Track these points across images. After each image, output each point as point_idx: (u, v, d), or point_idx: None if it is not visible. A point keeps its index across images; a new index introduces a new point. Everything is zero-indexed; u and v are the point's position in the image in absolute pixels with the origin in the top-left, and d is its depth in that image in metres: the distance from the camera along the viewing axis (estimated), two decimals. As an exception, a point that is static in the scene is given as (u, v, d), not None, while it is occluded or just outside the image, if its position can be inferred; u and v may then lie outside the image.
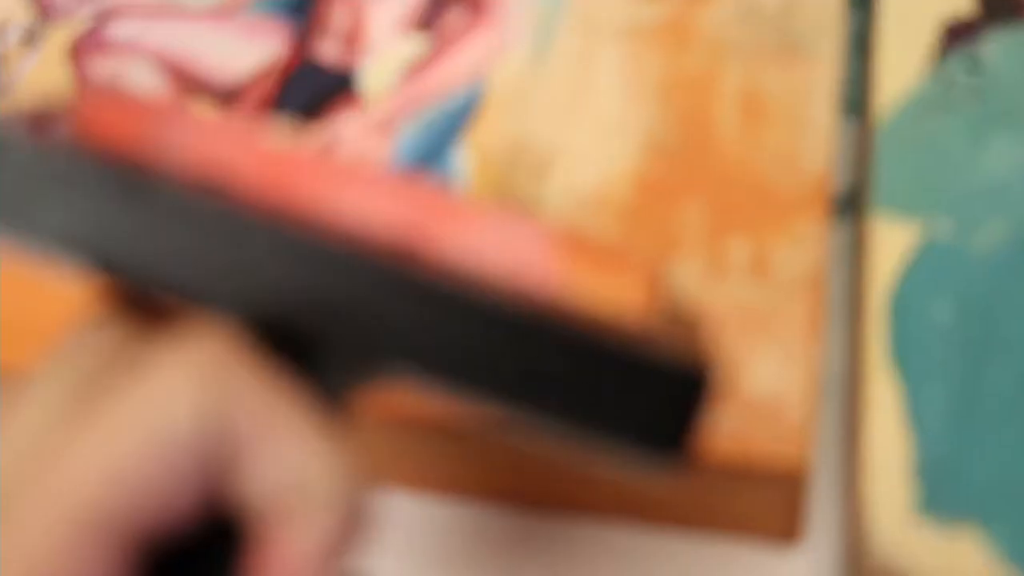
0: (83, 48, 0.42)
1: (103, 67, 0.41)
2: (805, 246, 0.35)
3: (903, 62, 0.40)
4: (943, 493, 0.32)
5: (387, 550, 0.36)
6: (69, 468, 0.20)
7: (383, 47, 0.41)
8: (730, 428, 0.32)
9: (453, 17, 0.42)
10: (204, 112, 0.37)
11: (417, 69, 0.40)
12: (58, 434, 0.20)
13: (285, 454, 0.20)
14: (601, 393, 0.23)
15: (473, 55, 0.40)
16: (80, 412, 0.21)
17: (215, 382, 0.20)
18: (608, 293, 0.24)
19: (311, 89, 0.40)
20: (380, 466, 0.36)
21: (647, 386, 0.23)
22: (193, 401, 0.20)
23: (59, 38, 0.42)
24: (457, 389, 0.23)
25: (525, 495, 0.36)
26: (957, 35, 0.40)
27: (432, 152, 0.38)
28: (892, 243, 0.36)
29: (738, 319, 0.33)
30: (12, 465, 0.21)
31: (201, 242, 0.23)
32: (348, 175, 0.25)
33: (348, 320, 0.22)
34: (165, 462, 0.20)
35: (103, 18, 0.43)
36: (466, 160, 0.38)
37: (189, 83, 0.41)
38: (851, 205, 0.41)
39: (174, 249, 0.23)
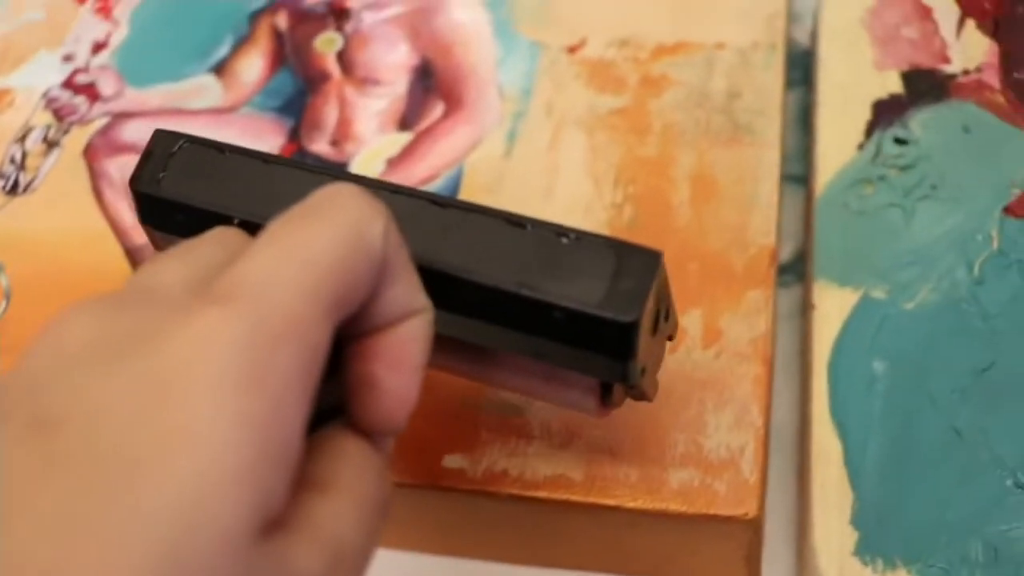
0: (96, 148, 0.46)
1: (115, 165, 0.45)
2: (753, 314, 0.38)
3: (840, 138, 0.44)
4: (880, 538, 0.35)
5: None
6: (301, 258, 0.24)
7: (370, 141, 0.45)
8: (689, 484, 0.35)
9: (433, 111, 0.46)
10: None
11: (401, 159, 0.44)
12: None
13: (408, 286, 0.27)
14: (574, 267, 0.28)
15: (452, 145, 0.44)
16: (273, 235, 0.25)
17: (388, 222, 0.26)
18: None
19: (305, 181, 0.44)
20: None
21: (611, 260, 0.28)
22: (382, 226, 0.25)
23: (76, 140, 0.46)
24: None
25: (499, 552, 0.39)
26: (886, 112, 0.44)
27: (416, 235, 0.42)
28: (832, 307, 0.39)
29: (693, 384, 0.37)
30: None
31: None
32: None
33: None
34: (364, 262, 0.25)
35: (114, 120, 0.47)
36: (447, 242, 0.42)
37: (194, 178, 0.45)
38: (797, 270, 0.44)
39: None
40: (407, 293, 0.26)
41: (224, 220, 0.29)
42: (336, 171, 0.31)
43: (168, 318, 0.23)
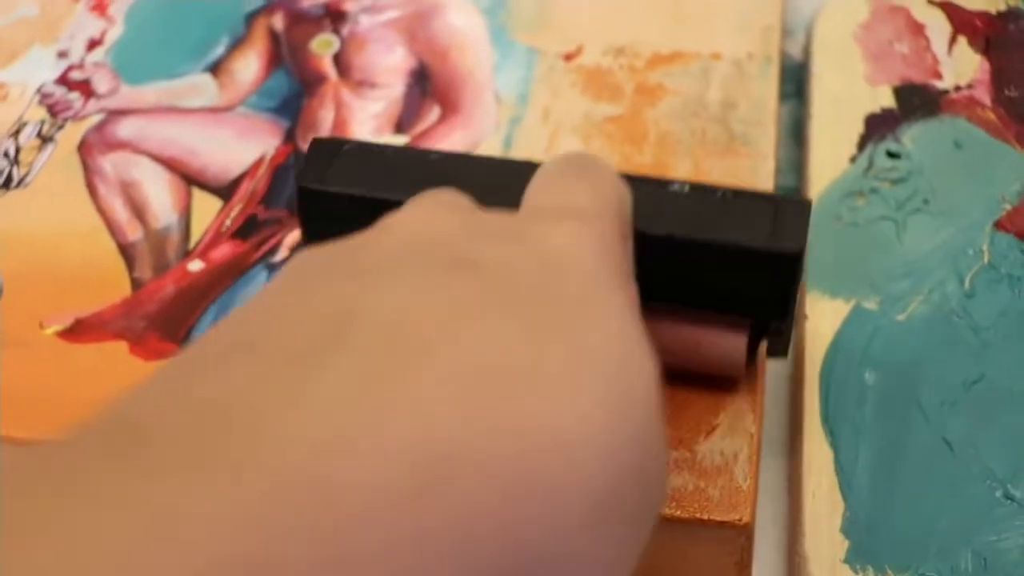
0: (91, 144, 0.46)
1: (109, 161, 0.45)
2: (746, 322, 0.39)
3: (832, 150, 0.44)
4: (870, 547, 0.35)
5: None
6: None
7: (365, 143, 0.45)
8: (683, 489, 0.35)
9: (430, 115, 0.46)
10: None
11: (396, 162, 0.44)
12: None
13: None
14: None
15: (448, 148, 0.44)
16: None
17: None
18: None
19: (300, 182, 0.44)
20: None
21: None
22: (630, 197, 0.28)
23: (70, 135, 0.46)
24: None
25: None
26: (878, 126, 0.44)
27: (411, 238, 0.42)
28: (824, 317, 0.40)
29: (687, 390, 0.37)
30: None
31: None
32: None
33: None
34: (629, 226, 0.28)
35: (109, 117, 0.47)
36: (442, 245, 0.42)
37: (187, 177, 0.45)
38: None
39: None
40: None
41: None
42: (497, 160, 0.35)
43: (526, 224, 0.25)
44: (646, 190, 0.30)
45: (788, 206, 0.31)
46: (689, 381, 0.37)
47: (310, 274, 0.23)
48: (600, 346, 0.21)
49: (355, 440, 0.18)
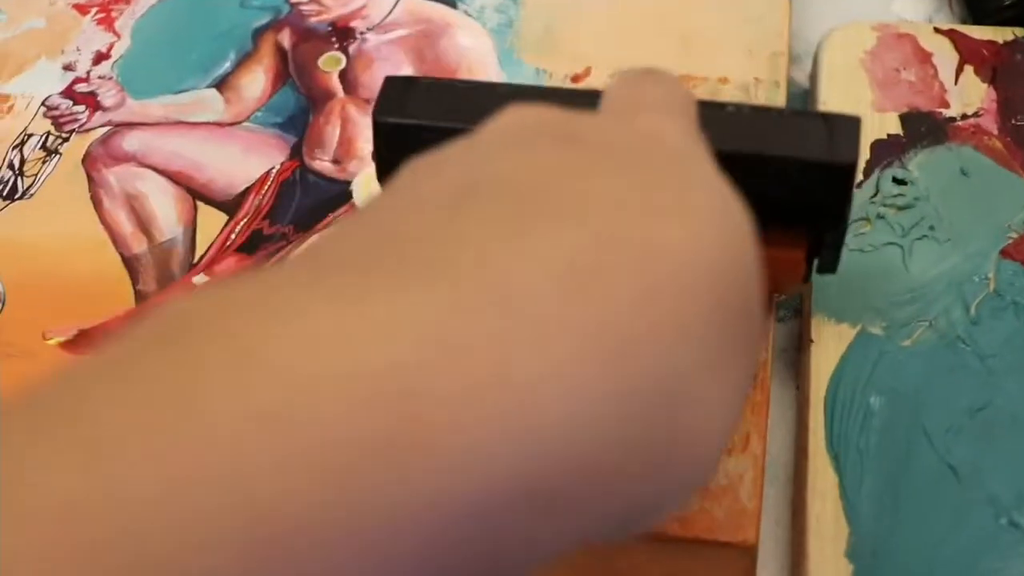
0: (96, 157, 0.46)
1: (114, 175, 0.45)
2: (752, 345, 0.39)
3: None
4: (874, 572, 0.35)
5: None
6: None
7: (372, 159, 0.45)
8: (688, 509, 0.35)
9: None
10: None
11: (403, 180, 0.44)
12: None
13: None
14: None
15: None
16: None
17: None
18: None
19: (307, 197, 0.44)
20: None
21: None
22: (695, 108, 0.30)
23: (75, 148, 0.46)
24: None
25: None
26: (885, 152, 0.44)
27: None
28: (830, 341, 0.40)
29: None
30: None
31: None
32: None
33: None
34: None
35: (115, 130, 0.47)
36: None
37: (192, 191, 0.45)
38: (792, 305, 0.45)
39: None
40: None
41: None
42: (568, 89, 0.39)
43: (612, 114, 0.27)
44: (703, 111, 0.30)
45: (840, 122, 0.33)
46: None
47: (421, 171, 0.24)
48: (703, 192, 0.24)
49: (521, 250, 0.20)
